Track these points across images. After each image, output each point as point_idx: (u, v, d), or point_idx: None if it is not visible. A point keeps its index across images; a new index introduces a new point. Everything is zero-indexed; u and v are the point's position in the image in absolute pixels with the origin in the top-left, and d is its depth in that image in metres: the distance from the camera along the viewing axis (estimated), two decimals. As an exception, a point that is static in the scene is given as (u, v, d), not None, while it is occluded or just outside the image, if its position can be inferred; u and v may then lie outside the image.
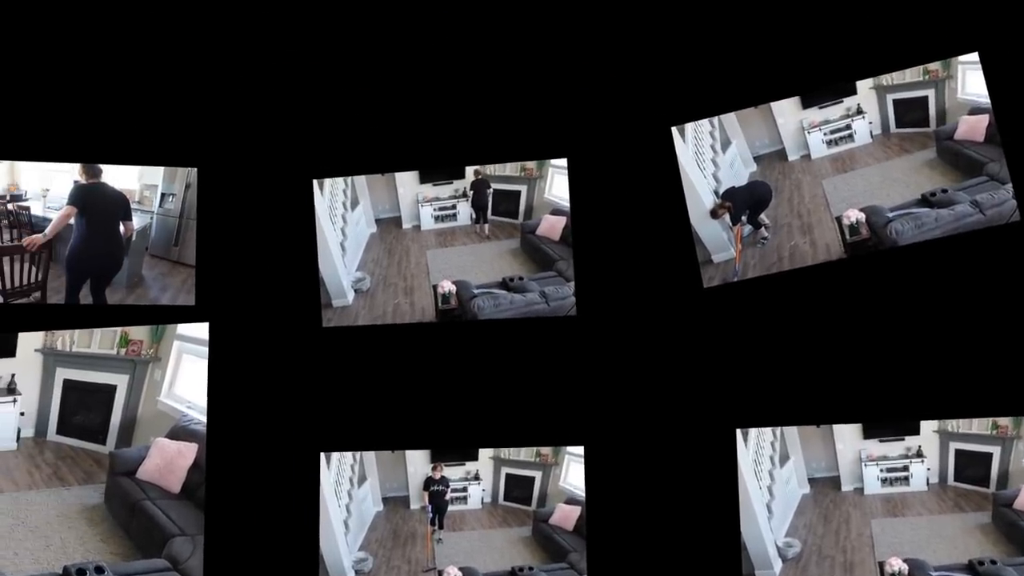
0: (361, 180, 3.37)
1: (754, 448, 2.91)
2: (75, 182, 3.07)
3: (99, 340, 3.18)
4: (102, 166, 3.07)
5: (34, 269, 3.05)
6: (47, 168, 3.10)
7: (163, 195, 3.27)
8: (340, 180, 3.35)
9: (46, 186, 3.12)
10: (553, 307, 3.08)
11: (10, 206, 3.10)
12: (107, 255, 3.11)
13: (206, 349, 3.00)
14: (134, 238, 3.20)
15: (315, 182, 3.19)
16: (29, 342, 3.06)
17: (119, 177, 3.14)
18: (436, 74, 3.21)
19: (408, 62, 3.22)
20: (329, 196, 3.31)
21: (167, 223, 3.27)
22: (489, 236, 3.32)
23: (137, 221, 3.22)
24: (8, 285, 3.02)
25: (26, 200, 3.11)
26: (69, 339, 3.13)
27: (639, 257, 3.03)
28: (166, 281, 3.15)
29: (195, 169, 3.10)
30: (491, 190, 3.30)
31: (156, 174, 3.23)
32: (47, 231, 3.08)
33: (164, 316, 3.08)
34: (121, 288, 3.11)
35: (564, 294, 3.08)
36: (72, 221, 3.09)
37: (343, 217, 3.42)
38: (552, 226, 3.19)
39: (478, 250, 3.29)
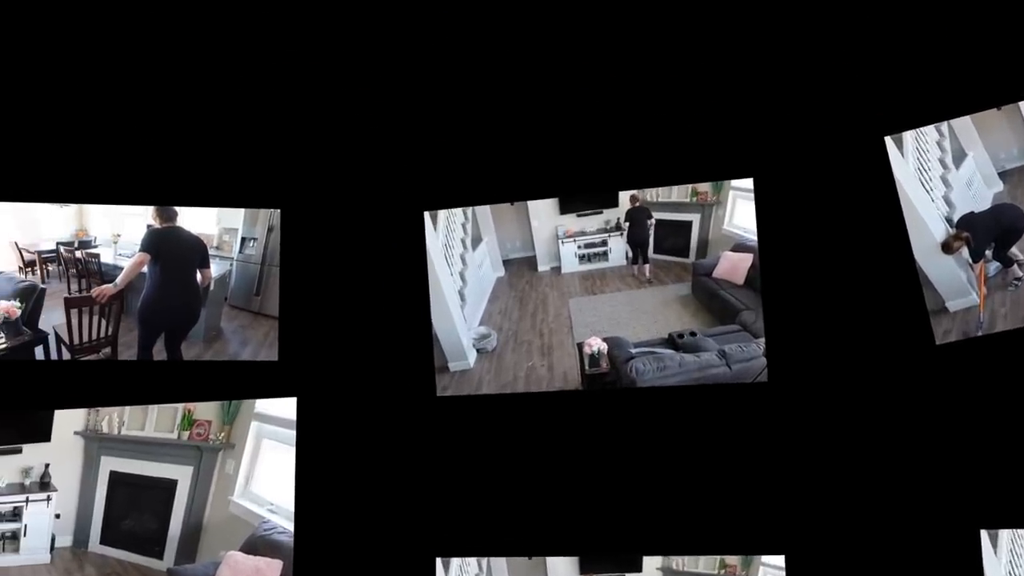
0: (484, 211, 3.47)
1: (1007, 556, 2.83)
2: (148, 226, 3.29)
3: (155, 420, 3.29)
4: (177, 208, 3.30)
5: (104, 322, 3.25)
6: (118, 211, 3.34)
7: (243, 239, 3.49)
8: (458, 212, 3.46)
9: (117, 231, 3.36)
10: (736, 371, 3.10)
11: (78, 253, 3.36)
12: (183, 306, 3.33)
13: (292, 432, 3.07)
14: (212, 287, 3.41)
15: (427, 215, 3.28)
16: (67, 423, 3.18)
17: (196, 220, 3.35)
18: (578, 74, 3.26)
19: (541, 59, 3.30)
20: (444, 232, 3.42)
21: (248, 270, 3.47)
22: (651, 280, 3.42)
23: (215, 268, 3.42)
24: (76, 340, 3.22)
25: (95, 247, 3.36)
26: (117, 419, 3.24)
27: (848, 305, 3.00)
28: (246, 334, 3.32)
29: (278, 210, 3.30)
30: (653, 221, 3.38)
31: (236, 216, 3.46)
32: (118, 280, 3.29)
33: (244, 376, 3.23)
34: (198, 342, 3.29)
35: (751, 354, 3.08)
36: (145, 269, 3.30)
37: (462, 258, 3.53)
38: (734, 266, 3.25)
39: (636, 298, 3.37)
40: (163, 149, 3.26)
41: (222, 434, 3.29)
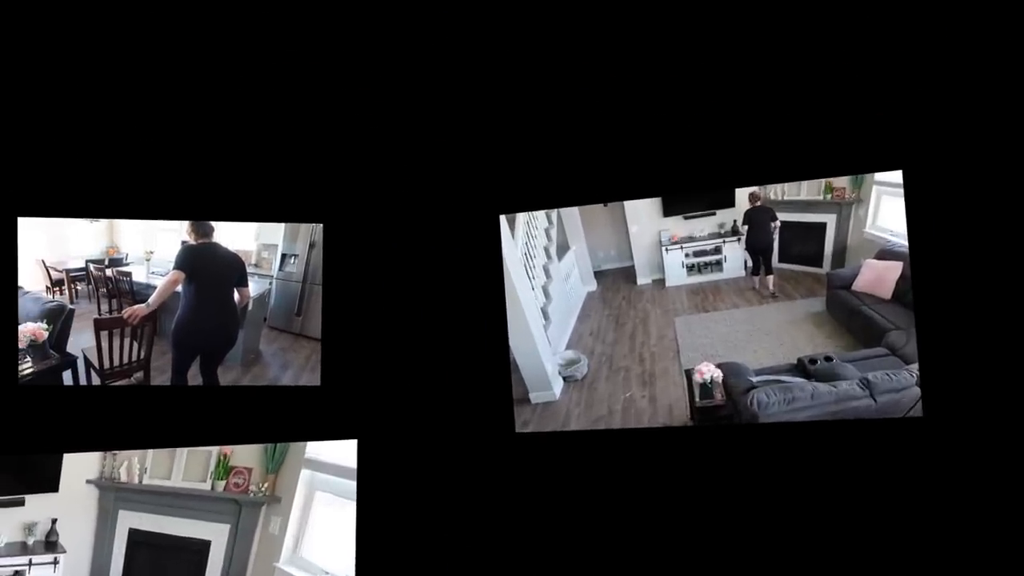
0: (572, 214, 3.36)
1: None
2: (183, 243, 3.33)
3: (184, 467, 3.20)
4: (214, 223, 3.32)
5: (136, 345, 3.29)
6: (151, 227, 3.36)
7: (284, 256, 3.52)
8: (540, 215, 3.40)
9: (150, 248, 3.40)
10: (883, 404, 2.94)
11: (109, 272, 3.39)
12: (219, 327, 3.38)
13: (352, 483, 3.01)
14: (250, 307, 3.45)
15: (503, 219, 3.22)
16: (78, 469, 3.09)
17: (233, 236, 3.37)
18: (684, 49, 3.16)
19: (638, 33, 3.19)
20: (524, 239, 3.33)
21: (288, 289, 3.51)
22: (775, 294, 3.24)
23: (254, 287, 3.45)
24: (106, 364, 3.26)
25: (127, 264, 3.39)
26: (138, 465, 3.16)
27: (1019, 323, 2.83)
28: (287, 357, 3.34)
29: (320, 225, 3.33)
30: (777, 223, 3.24)
31: (275, 232, 3.49)
32: (151, 301, 3.33)
33: (292, 412, 3.20)
34: (235, 366, 3.32)
35: (901, 383, 2.93)
36: (179, 288, 3.34)
37: (545, 270, 3.44)
38: (879, 277, 3.08)
39: (758, 315, 3.22)
40: (198, 161, 3.29)
41: (265, 485, 3.18)
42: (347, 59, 3.32)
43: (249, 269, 3.44)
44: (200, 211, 3.28)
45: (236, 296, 3.42)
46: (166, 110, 3.27)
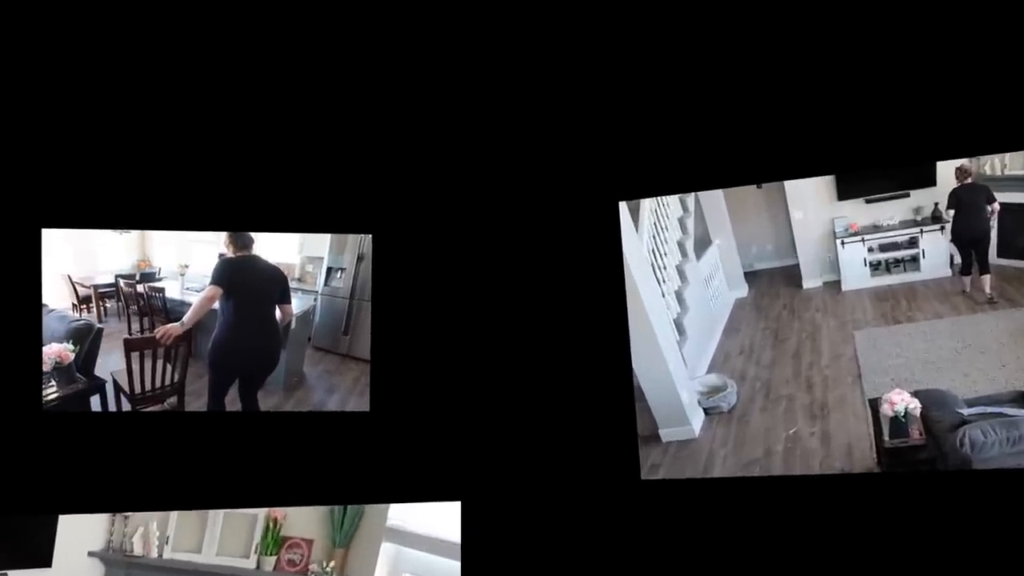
0: (714, 199, 3.20)
1: None
2: (220, 256, 3.33)
3: (219, 535, 3.06)
4: (253, 235, 3.34)
5: (169, 367, 3.29)
6: (185, 239, 3.39)
7: (329, 270, 3.57)
8: (672, 201, 3.19)
9: (184, 261, 3.43)
10: None
11: (140, 288, 3.41)
12: (260, 348, 3.38)
13: (452, 563, 2.82)
14: (293, 325, 3.44)
15: (623, 208, 3.07)
16: (78, 537, 2.97)
17: (274, 248, 3.39)
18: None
19: None
20: (651, 232, 3.19)
21: (335, 306, 3.54)
22: (994, 298, 3.02)
23: (297, 304, 3.46)
24: (137, 388, 3.23)
25: (159, 280, 3.42)
26: (158, 532, 3.05)
27: None
28: (333, 380, 3.32)
29: (369, 236, 3.32)
30: (995, 206, 3.00)
31: (320, 244, 3.52)
32: (185, 319, 3.33)
33: (360, 458, 3.09)
34: (277, 390, 3.29)
35: None
36: (216, 305, 3.35)
37: (680, 271, 3.25)
38: None
39: (970, 327, 3.01)
40: (236, 167, 3.27)
41: (332, 563, 2.95)
42: (394, 48, 3.27)
43: (292, 284, 3.46)
44: (238, 222, 3.31)
45: (278, 314, 3.43)
46: (201, 114, 3.26)
